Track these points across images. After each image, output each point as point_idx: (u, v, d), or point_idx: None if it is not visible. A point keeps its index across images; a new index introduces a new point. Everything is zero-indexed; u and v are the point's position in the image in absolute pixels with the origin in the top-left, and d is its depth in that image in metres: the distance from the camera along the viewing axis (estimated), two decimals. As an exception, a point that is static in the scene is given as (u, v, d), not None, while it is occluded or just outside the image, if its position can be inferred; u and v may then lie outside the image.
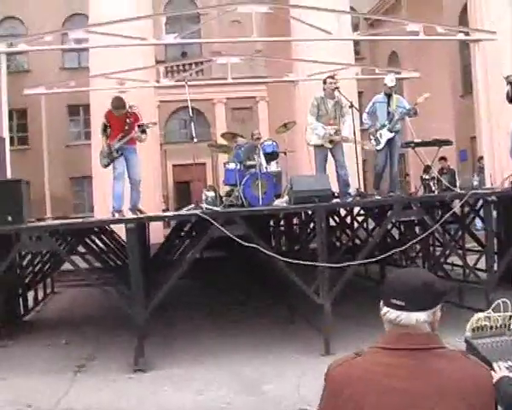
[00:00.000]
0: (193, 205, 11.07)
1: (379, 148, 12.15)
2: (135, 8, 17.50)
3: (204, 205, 10.72)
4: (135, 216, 10.32)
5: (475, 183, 16.13)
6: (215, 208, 9.88)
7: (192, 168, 34.90)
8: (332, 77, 12.36)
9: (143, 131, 11.07)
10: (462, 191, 11.51)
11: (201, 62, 25.48)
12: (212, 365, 8.67)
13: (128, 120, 10.96)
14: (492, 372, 3.51)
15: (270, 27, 23.21)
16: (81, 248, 12.18)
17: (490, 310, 4.42)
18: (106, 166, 11.26)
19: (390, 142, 12.09)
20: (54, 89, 18.97)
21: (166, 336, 10.29)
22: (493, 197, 10.30)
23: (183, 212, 10.87)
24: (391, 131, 12.00)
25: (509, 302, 4.22)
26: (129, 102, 11.48)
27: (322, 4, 15.63)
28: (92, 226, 10.87)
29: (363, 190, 16.10)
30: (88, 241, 12.58)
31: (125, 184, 11.24)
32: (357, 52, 38.55)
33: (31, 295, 13.58)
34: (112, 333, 10.24)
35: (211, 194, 13.24)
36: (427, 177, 18.43)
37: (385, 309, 2.61)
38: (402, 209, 9.91)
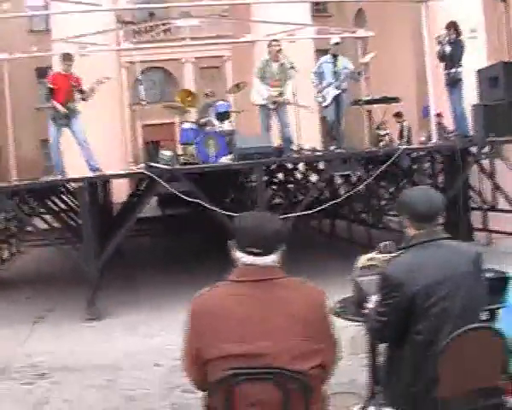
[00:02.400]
0: (143, 164, 11.64)
1: (325, 104, 12.68)
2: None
3: (151, 163, 11.26)
4: (83, 176, 10.80)
5: (422, 138, 16.73)
6: (162, 166, 10.43)
7: (161, 128, 35.52)
8: (276, 40, 12.78)
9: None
10: (403, 146, 12.06)
11: (163, 24, 25.65)
12: (166, 313, 9.20)
13: (73, 83, 11.44)
14: (367, 304, 4.22)
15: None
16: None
17: (374, 253, 5.12)
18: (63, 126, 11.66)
19: (337, 99, 12.60)
20: (16, 54, 19.23)
21: (122, 288, 10.90)
22: (422, 153, 10.90)
23: (130, 171, 11.43)
24: (337, 88, 12.51)
25: (393, 244, 4.88)
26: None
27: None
28: (42, 187, 11.36)
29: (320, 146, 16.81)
30: (49, 202, 13.15)
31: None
32: (324, 10, 39.06)
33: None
34: (70, 288, 10.80)
35: (167, 153, 13.73)
36: (381, 133, 19.08)
37: (239, 254, 3.14)
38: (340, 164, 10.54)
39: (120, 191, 17.49)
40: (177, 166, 10.80)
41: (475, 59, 15.27)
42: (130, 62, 35.17)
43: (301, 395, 3.02)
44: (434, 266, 3.68)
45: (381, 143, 16.65)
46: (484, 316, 4.07)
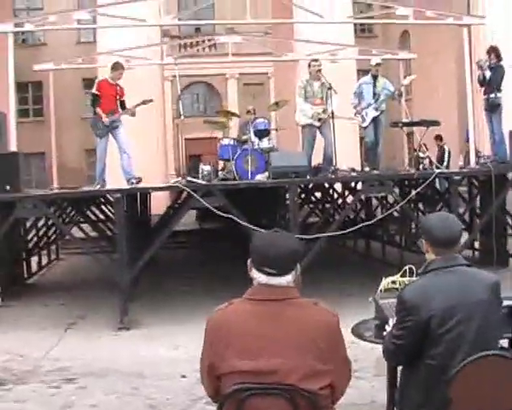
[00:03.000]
0: (180, 178, 11.81)
1: (364, 125, 12.77)
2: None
3: (188, 178, 11.41)
4: (120, 187, 10.97)
5: (460, 163, 16.69)
6: (198, 181, 10.58)
7: (204, 142, 35.78)
8: (315, 60, 12.90)
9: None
10: (442, 170, 12.04)
11: (208, 40, 25.94)
12: (194, 325, 9.33)
13: (118, 92, 11.65)
14: (386, 326, 4.27)
15: (277, 8, 23.73)
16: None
17: (398, 275, 5.18)
18: (102, 136, 11.79)
19: (375, 120, 12.68)
20: (61, 65, 19.63)
21: (154, 300, 11.06)
22: (458, 177, 10.89)
23: (166, 184, 11.60)
24: (376, 110, 12.59)
25: (414, 268, 4.93)
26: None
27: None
28: (81, 197, 11.60)
29: (359, 166, 16.82)
30: (87, 211, 13.43)
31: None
32: (369, 30, 39.11)
33: (35, 260, 14.52)
34: (104, 296, 10.99)
35: (207, 168, 13.88)
36: (421, 155, 19.03)
37: (256, 274, 3.23)
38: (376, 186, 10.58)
39: (160, 203, 17.68)
40: (213, 182, 10.91)
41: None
42: (175, 76, 35.67)
43: (311, 413, 3.10)
44: (450, 291, 3.73)
45: (421, 166, 16.60)
46: (504, 344, 4.12)
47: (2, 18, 20.02)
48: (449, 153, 19.59)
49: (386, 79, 13.33)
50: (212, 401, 3.32)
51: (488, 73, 12.54)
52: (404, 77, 16.33)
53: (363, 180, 10.96)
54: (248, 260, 3.30)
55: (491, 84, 12.62)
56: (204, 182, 10.54)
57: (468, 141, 16.72)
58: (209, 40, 24.61)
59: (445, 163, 18.85)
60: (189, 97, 40.50)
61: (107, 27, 15.03)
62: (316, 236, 9.99)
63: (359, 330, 4.76)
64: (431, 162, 17.16)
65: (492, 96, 12.62)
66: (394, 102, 13.89)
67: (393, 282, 4.97)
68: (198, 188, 9.87)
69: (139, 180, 11.42)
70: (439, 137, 19.44)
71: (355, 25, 23.23)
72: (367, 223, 11.18)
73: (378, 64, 12.88)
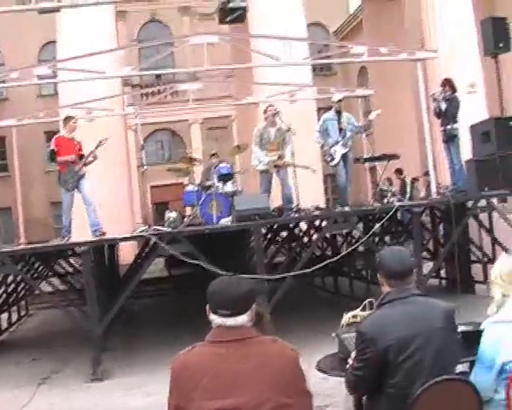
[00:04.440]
0: (146, 226, 11.94)
1: (333, 163, 12.47)
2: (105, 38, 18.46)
3: (154, 226, 11.54)
4: (87, 240, 11.04)
5: (422, 194, 17.01)
6: (163, 229, 10.71)
7: (170, 189, 35.93)
8: (271, 105, 13.07)
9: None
10: (402, 203, 12.28)
11: (164, 89, 26.27)
12: (165, 374, 9.42)
13: (76, 146, 11.79)
14: (349, 359, 4.41)
15: (236, 53, 24.03)
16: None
17: (358, 310, 5.34)
18: (72, 189, 11.86)
19: (344, 157, 12.42)
20: (23, 120, 19.73)
21: (126, 350, 11.09)
22: (417, 209, 11.13)
23: (133, 234, 11.71)
24: (345, 146, 12.35)
25: (374, 301, 5.09)
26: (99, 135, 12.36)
27: (273, 28, 16.77)
28: (48, 251, 11.64)
29: (324, 204, 17.04)
30: (55, 265, 13.46)
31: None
32: (328, 68, 39.72)
33: (4, 317, 14.48)
34: (76, 349, 10.97)
35: (173, 214, 14.06)
36: (384, 188, 19.39)
37: (212, 316, 3.39)
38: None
39: (128, 253, 17.71)
40: (179, 229, 11.03)
41: (475, 114, 15.44)
42: (137, 125, 35.85)
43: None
44: (405, 321, 3.89)
45: (386, 200, 16.89)
46: (462, 368, 4.27)
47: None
48: (412, 184, 19.92)
49: (348, 114, 13.22)
50: None
51: (444, 105, 12.81)
52: (369, 112, 16.49)
53: (326, 218, 11.14)
54: (207, 306, 3.45)
55: (447, 116, 12.87)
56: (169, 229, 10.67)
57: (426, 174, 17.12)
58: (170, 87, 24.79)
59: (408, 195, 19.18)
60: (154, 145, 40.68)
61: (67, 81, 15.15)
62: (282, 275, 10.13)
63: (323, 365, 4.90)
64: (394, 195, 17.53)
65: (449, 127, 12.87)
66: (355, 137, 13.82)
67: (354, 316, 5.14)
68: (163, 236, 9.99)
69: (103, 232, 11.49)
70: (398, 171, 19.79)
71: (313, 65, 23.53)
72: (332, 260, 11.29)
73: (340, 100, 12.61)
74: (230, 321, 3.35)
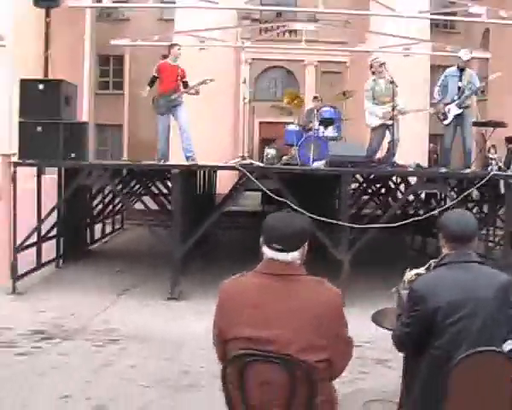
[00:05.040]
0: (239, 159, 12.07)
1: (446, 123, 12.08)
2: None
3: (249, 160, 11.66)
4: (176, 164, 11.24)
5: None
6: (255, 163, 10.83)
7: (277, 126, 36.03)
8: (376, 58, 12.80)
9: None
10: (496, 172, 11.89)
11: (278, 27, 26.11)
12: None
13: (179, 73, 11.97)
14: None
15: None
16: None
17: (422, 268, 5.34)
18: (164, 113, 12.11)
19: (458, 117, 11.97)
20: (138, 41, 20.12)
21: (205, 275, 11.39)
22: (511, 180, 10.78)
23: (223, 164, 11.88)
24: (460, 107, 11.89)
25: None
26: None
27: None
28: (140, 169, 11.98)
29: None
30: (151, 184, 13.89)
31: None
32: (452, 26, 38.47)
33: (99, 227, 15.12)
34: (159, 267, 11.39)
35: (271, 151, 14.12)
36: (490, 156, 18.86)
37: (265, 249, 3.48)
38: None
39: (227, 183, 17.97)
40: (268, 166, 11.12)
41: None
42: (253, 59, 35.99)
43: (307, 383, 3.33)
44: (458, 286, 3.87)
45: (490, 168, 16.45)
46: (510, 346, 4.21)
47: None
48: (515, 153, 19.25)
49: (473, 72, 12.66)
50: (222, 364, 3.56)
51: None
52: (485, 77, 15.80)
53: (417, 175, 10.98)
54: (261, 238, 3.54)
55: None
56: (261, 164, 10.77)
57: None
58: (283, 26, 24.67)
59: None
60: (267, 81, 40.58)
61: (181, 7, 15.35)
62: (364, 226, 10.14)
63: (377, 317, 4.95)
64: (498, 164, 17.05)
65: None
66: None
67: (417, 274, 5.12)
68: (253, 170, 10.13)
69: (194, 159, 11.71)
70: (508, 140, 19.12)
71: (434, 20, 22.91)
72: (416, 218, 11.21)
73: (467, 61, 12.04)
74: (281, 256, 3.43)
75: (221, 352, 3.58)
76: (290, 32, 32.17)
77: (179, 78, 11.91)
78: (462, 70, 12.05)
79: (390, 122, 12.00)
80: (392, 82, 11.92)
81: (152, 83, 12.08)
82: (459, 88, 11.94)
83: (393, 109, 11.94)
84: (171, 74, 11.87)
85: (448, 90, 12.04)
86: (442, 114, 12.08)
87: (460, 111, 11.91)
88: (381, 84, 12.25)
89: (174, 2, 16.96)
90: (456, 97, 11.91)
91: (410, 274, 5.14)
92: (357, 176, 14.45)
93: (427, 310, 3.84)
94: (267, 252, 3.48)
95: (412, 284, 4.11)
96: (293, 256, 3.46)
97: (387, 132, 12.23)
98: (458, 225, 4.06)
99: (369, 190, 16.29)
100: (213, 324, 3.62)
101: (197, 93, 12.11)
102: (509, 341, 4.11)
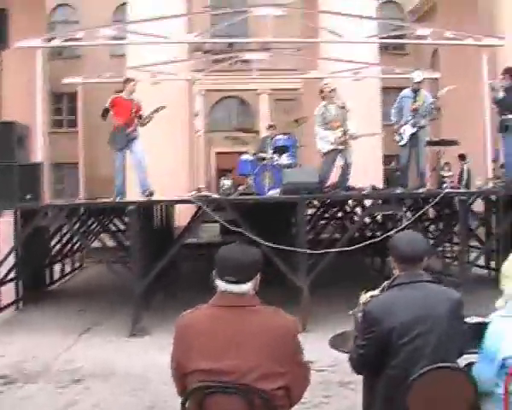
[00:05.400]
0: (195, 192, 12.15)
1: (402, 144, 12.34)
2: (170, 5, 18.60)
3: (204, 192, 11.75)
4: (133, 200, 11.28)
5: (478, 182, 16.73)
6: (211, 195, 10.92)
7: (233, 157, 36.18)
8: (326, 84, 12.94)
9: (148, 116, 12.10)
10: (449, 190, 12.11)
11: (230, 57, 26.34)
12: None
13: (133, 108, 12.00)
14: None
15: (305, 26, 23.87)
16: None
17: (377, 290, 5.43)
18: (120, 149, 12.13)
19: (413, 138, 12.23)
20: (90, 79, 20.15)
21: (168, 310, 11.32)
22: (464, 197, 11.03)
23: (178, 198, 11.94)
24: (414, 126, 12.15)
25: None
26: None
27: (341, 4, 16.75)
28: (97, 208, 11.99)
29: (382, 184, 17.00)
30: (107, 221, 13.88)
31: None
32: (402, 48, 39.11)
33: (59, 267, 15.05)
34: (120, 304, 11.33)
35: (227, 182, 14.25)
36: (444, 174, 19.23)
37: (219, 282, 3.58)
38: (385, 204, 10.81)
39: (186, 216, 17.98)
40: (222, 197, 11.21)
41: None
42: (207, 90, 36.10)
43: (266, 411, 3.40)
44: (412, 306, 3.97)
45: (445, 185, 16.72)
46: (472, 359, 4.34)
47: (37, 31, 20.69)
48: (468, 172, 19.62)
49: (427, 93, 12.94)
50: (181, 397, 3.63)
51: (501, 94, 12.57)
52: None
53: (371, 198, 11.15)
54: (213, 271, 3.61)
55: (503, 106, 12.62)
56: (216, 196, 10.85)
57: (494, 160, 16.79)
58: (235, 56, 24.88)
59: (464, 182, 18.93)
60: (222, 111, 40.79)
61: (131, 44, 15.45)
62: (322, 251, 10.25)
63: (334, 342, 5.03)
64: (452, 181, 17.36)
65: (504, 117, 12.61)
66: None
67: (372, 296, 5.22)
68: (209, 202, 10.20)
69: (151, 193, 11.75)
70: (461, 157, 19.51)
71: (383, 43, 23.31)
72: (373, 240, 11.36)
73: (418, 82, 12.34)
74: (235, 288, 3.53)
75: (180, 386, 3.65)
76: (242, 61, 32.33)
77: (134, 112, 11.93)
78: (415, 91, 12.36)
79: (341, 147, 12.18)
80: (343, 107, 12.10)
81: (104, 115, 12.05)
82: (414, 110, 12.21)
83: (345, 134, 12.14)
84: (125, 109, 11.89)
85: (403, 113, 12.33)
86: (398, 134, 12.35)
87: (414, 130, 12.20)
88: (332, 109, 12.39)
89: (125, 38, 16.91)
90: (410, 117, 12.20)
91: (365, 297, 5.23)
92: (315, 201, 14.58)
93: (381, 331, 3.93)
94: (220, 285, 3.56)
95: (366, 307, 4.19)
96: (247, 287, 3.54)
97: (339, 157, 12.41)
98: (407, 246, 4.17)
99: (326, 215, 16.46)
100: (171, 358, 3.69)
101: (149, 121, 12.11)
102: (469, 356, 4.24)
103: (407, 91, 12.56)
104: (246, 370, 3.40)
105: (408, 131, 12.22)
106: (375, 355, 3.99)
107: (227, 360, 3.41)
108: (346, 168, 12.42)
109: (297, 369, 3.59)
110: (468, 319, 4.71)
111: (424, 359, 3.86)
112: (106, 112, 12.05)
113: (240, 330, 3.46)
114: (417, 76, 12.47)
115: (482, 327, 4.32)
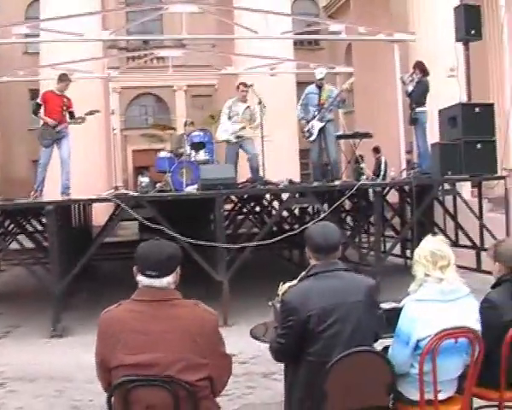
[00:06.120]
0: (112, 190, 12.11)
1: (311, 139, 12.67)
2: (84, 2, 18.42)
3: (122, 190, 11.72)
4: (51, 200, 11.16)
5: (392, 174, 17.17)
6: (129, 192, 10.92)
7: (150, 154, 35.96)
8: (244, 84, 13.14)
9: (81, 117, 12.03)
10: (363, 182, 12.40)
11: (145, 54, 26.26)
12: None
13: (65, 103, 11.89)
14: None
15: (220, 22, 23.99)
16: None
17: (295, 281, 5.58)
18: (47, 146, 12.04)
19: (322, 131, 12.52)
20: (4, 77, 19.75)
21: (88, 309, 11.25)
22: (379, 188, 11.35)
23: (97, 196, 11.89)
24: (321, 121, 12.43)
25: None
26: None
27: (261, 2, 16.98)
28: (14, 209, 11.84)
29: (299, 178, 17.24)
30: (25, 222, 13.68)
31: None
32: (316, 43, 39.72)
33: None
34: (40, 306, 11.16)
35: (145, 179, 14.18)
36: (361, 166, 19.56)
37: (140, 277, 3.68)
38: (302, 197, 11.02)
39: (103, 215, 17.85)
40: (140, 194, 11.19)
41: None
42: (122, 87, 35.85)
43: (190, 402, 3.49)
44: (327, 294, 4.12)
45: (363, 177, 17.04)
46: (387, 343, 4.53)
47: None
48: (385, 164, 20.05)
49: (332, 87, 13.32)
50: (106, 392, 3.68)
51: (410, 88, 12.99)
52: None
53: (287, 192, 11.34)
54: (134, 267, 3.69)
55: (412, 99, 13.04)
56: (134, 194, 10.84)
57: (408, 153, 17.29)
58: (151, 53, 24.79)
59: (382, 174, 19.33)
60: (138, 109, 40.59)
61: (44, 42, 15.24)
62: (241, 245, 10.38)
63: (256, 332, 5.17)
64: (368, 174, 17.70)
65: (414, 110, 13.04)
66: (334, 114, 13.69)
67: (290, 287, 5.37)
68: (128, 200, 10.20)
69: (69, 194, 11.70)
70: (375, 149, 19.93)
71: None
72: (290, 233, 11.55)
73: (321, 79, 12.64)
74: (156, 282, 3.62)
75: (105, 381, 3.69)
76: (158, 58, 32.23)
77: (65, 108, 11.82)
78: (320, 87, 12.68)
79: (234, 140, 12.59)
80: (259, 102, 12.27)
81: (35, 111, 11.90)
82: (320, 104, 12.52)
83: (242, 129, 12.59)
84: (56, 104, 11.77)
85: (309, 109, 12.64)
86: (307, 131, 12.61)
87: (322, 124, 12.50)
88: (240, 107, 12.67)
89: (38, 36, 16.64)
90: (316, 113, 12.50)
91: (284, 287, 5.38)
92: (232, 196, 14.72)
93: (299, 319, 4.05)
94: (142, 280, 3.65)
95: (283, 297, 4.32)
96: (168, 281, 3.63)
97: (241, 150, 12.63)
98: (321, 237, 4.31)
99: (245, 210, 16.61)
100: (95, 354, 3.73)
101: (82, 121, 12.03)
102: (381, 340, 4.44)
103: (312, 87, 12.89)
104: (169, 362, 3.48)
105: (316, 126, 12.51)
106: (295, 343, 4.12)
107: (150, 353, 3.49)
108: (252, 160, 12.62)
109: (219, 360, 3.70)
110: (383, 305, 4.94)
111: (342, 344, 4.02)
112: (37, 107, 11.89)
113: (161, 324, 3.54)
114: (319, 73, 12.78)
115: (397, 312, 4.52)
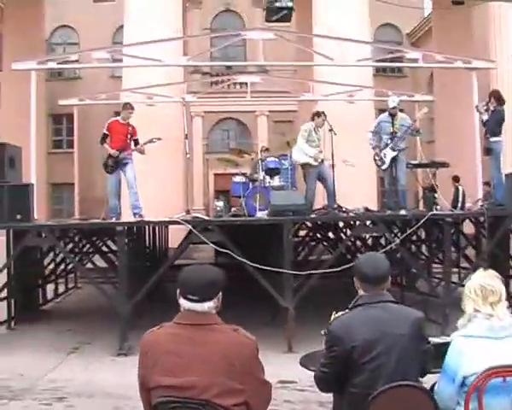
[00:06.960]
0: (184, 213, 12.28)
1: (384, 168, 12.64)
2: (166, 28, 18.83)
3: (193, 214, 11.89)
4: (121, 221, 11.47)
5: (468, 204, 16.86)
6: (200, 216, 11.07)
7: (230, 178, 36.29)
8: (323, 113, 12.98)
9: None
10: (435, 212, 12.16)
11: (228, 79, 26.62)
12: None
13: (129, 132, 12.21)
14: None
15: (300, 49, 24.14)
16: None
17: (347, 310, 5.54)
18: (111, 172, 12.34)
19: (394, 160, 12.45)
20: (86, 100, 20.35)
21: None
22: (449, 219, 11.14)
23: (168, 219, 12.06)
24: (393, 150, 12.35)
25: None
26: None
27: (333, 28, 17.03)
28: (86, 228, 12.12)
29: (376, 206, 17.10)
30: (99, 242, 14.02)
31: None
32: (399, 70, 39.45)
33: (52, 287, 15.18)
34: (109, 324, 11.42)
35: (220, 203, 14.34)
36: (436, 196, 19.24)
37: (182, 301, 3.74)
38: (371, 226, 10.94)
39: (180, 237, 18.09)
40: (210, 219, 11.33)
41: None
42: (205, 112, 36.39)
43: (225, 427, 3.52)
44: (372, 325, 4.09)
45: (438, 207, 16.78)
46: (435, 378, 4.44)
47: (35, 53, 20.97)
48: (463, 194, 19.71)
49: (405, 115, 13.13)
50: None
51: (485, 117, 12.72)
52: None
53: (357, 220, 11.28)
54: (177, 290, 3.75)
55: (487, 128, 12.77)
56: (205, 217, 10.99)
57: (486, 184, 16.91)
58: (228, 79, 25.16)
59: (459, 204, 18.98)
60: (220, 133, 40.98)
61: (127, 66, 15.68)
62: (306, 273, 10.38)
63: (305, 361, 5.15)
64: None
65: (488, 140, 12.76)
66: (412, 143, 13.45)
67: (336, 316, 5.35)
68: (198, 223, 10.34)
69: (141, 215, 11.97)
70: (454, 179, 19.63)
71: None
72: (353, 263, 11.37)
73: (394, 108, 12.55)
74: (196, 306, 3.66)
75: (146, 402, 3.76)
76: (241, 84, 32.59)
77: (129, 136, 12.15)
78: (393, 116, 12.57)
79: (315, 163, 12.38)
80: (330, 130, 12.27)
81: (103, 140, 12.26)
82: (393, 133, 12.43)
83: (321, 152, 12.50)
84: (121, 133, 12.12)
85: (382, 137, 12.55)
86: (379, 159, 12.53)
87: (395, 154, 12.39)
88: (319, 132, 12.67)
89: (121, 61, 17.12)
90: (389, 141, 12.40)
91: (336, 316, 5.36)
92: (308, 223, 14.71)
93: (343, 350, 4.04)
94: (183, 303, 3.71)
95: (329, 327, 4.31)
96: (208, 306, 3.68)
97: (319, 174, 12.60)
98: (370, 267, 4.29)
99: (318, 235, 16.56)
100: (137, 374, 3.80)
101: (142, 153, 12.35)
102: (429, 375, 4.36)
103: (384, 116, 12.84)
104: (205, 386, 3.52)
105: (389, 154, 12.43)
106: (338, 373, 4.10)
107: (188, 376, 3.53)
108: (329, 186, 12.55)
109: (257, 386, 3.70)
110: (436, 339, 4.85)
111: (385, 376, 3.97)
112: (105, 137, 12.25)
113: (200, 348, 3.58)
114: (392, 102, 12.74)
115: (447, 346, 4.39)
